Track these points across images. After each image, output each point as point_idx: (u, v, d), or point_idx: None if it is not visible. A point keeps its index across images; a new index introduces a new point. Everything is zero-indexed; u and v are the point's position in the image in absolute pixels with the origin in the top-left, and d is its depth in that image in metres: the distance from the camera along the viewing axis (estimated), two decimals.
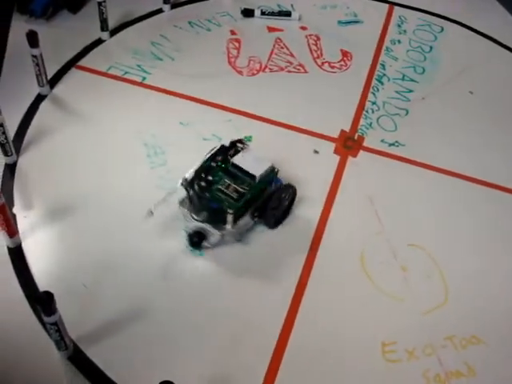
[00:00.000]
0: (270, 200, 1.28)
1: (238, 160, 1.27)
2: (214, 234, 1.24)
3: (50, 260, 1.23)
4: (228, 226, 1.23)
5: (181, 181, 1.25)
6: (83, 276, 1.19)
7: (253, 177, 1.25)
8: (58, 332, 1.00)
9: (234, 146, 1.32)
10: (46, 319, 0.97)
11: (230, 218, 1.21)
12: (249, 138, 1.47)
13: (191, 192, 1.24)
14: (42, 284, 1.16)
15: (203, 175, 1.25)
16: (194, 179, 1.24)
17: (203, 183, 1.24)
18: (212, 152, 1.30)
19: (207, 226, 1.24)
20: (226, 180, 1.25)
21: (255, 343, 1.12)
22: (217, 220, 1.24)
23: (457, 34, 2.12)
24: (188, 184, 1.24)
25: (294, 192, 1.33)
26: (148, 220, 1.25)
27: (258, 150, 1.32)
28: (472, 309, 1.23)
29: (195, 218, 1.25)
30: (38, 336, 1.08)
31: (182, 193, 1.26)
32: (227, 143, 1.33)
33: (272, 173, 1.29)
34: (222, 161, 1.29)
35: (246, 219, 1.28)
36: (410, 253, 1.32)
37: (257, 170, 1.25)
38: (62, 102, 1.60)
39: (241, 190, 1.24)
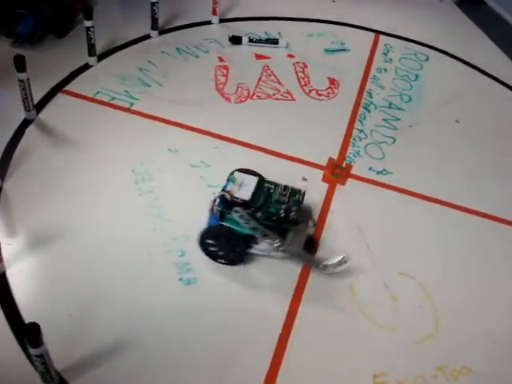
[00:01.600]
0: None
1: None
2: (274, 241, 1.23)
3: (34, 289, 1.20)
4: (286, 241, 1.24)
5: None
6: (69, 306, 1.16)
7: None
8: (43, 364, 0.97)
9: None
10: (32, 351, 0.95)
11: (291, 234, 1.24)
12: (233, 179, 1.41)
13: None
14: (27, 313, 1.13)
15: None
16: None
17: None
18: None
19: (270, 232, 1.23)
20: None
21: (243, 378, 1.10)
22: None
23: (442, 63, 2.15)
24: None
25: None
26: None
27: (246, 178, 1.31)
28: (463, 338, 1.22)
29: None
30: (22, 368, 1.05)
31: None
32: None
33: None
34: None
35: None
36: (401, 282, 1.31)
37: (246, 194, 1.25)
38: (48, 128, 1.59)
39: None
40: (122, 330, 1.14)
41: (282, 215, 1.23)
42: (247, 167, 1.35)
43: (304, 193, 1.30)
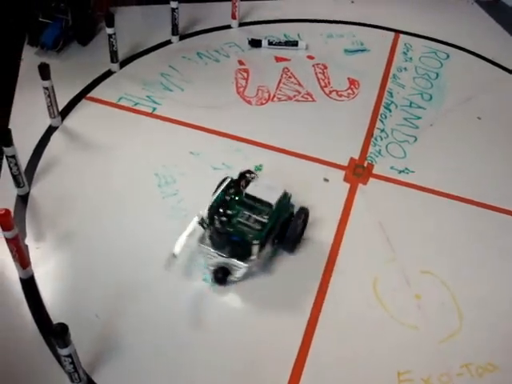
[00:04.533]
0: (287, 225, 1.29)
1: (251, 190, 1.27)
2: (240, 267, 1.23)
3: (62, 291, 1.23)
4: (254, 257, 1.23)
5: (197, 219, 1.24)
6: (96, 307, 1.19)
7: (269, 205, 1.25)
8: (72, 364, 0.99)
9: (244, 177, 1.33)
10: (60, 351, 0.97)
11: (255, 248, 1.21)
12: (259, 168, 1.47)
13: (211, 229, 1.23)
14: (55, 315, 1.16)
15: (221, 210, 1.25)
16: (213, 215, 1.23)
17: (224, 218, 1.23)
18: (223, 185, 1.30)
19: (232, 261, 1.24)
20: (245, 212, 1.25)
21: (269, 374, 1.11)
22: (240, 253, 1.23)
23: (462, 61, 2.14)
24: (208, 221, 1.23)
25: (306, 214, 1.34)
26: (171, 262, 1.26)
27: (269, 179, 1.33)
28: (487, 335, 1.22)
29: (219, 254, 1.24)
30: (51, 368, 1.08)
31: (200, 230, 1.26)
32: (235, 175, 1.33)
33: (285, 198, 1.29)
34: (235, 193, 1.29)
35: (267, 247, 1.28)
36: (423, 280, 1.31)
37: (272, 197, 1.25)
38: (73, 133, 1.62)
39: (261, 219, 1.23)
40: (149, 330, 1.16)
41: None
42: (269, 168, 1.37)
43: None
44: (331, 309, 1.23)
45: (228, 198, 1.28)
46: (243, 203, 1.27)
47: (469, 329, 1.22)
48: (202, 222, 1.24)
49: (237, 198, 1.28)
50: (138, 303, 1.21)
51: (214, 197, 1.26)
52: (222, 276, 1.23)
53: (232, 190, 1.29)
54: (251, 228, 1.22)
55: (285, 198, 1.29)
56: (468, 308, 1.26)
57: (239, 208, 1.26)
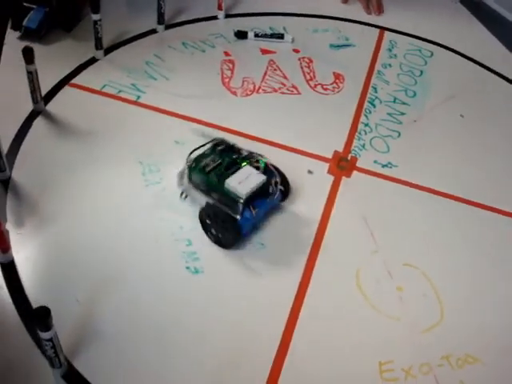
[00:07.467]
0: None
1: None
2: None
3: (42, 276, 1.21)
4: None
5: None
6: (77, 291, 1.18)
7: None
8: (53, 349, 0.98)
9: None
10: (41, 335, 0.95)
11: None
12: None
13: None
14: (35, 299, 1.15)
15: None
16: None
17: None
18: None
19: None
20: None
21: (250, 366, 1.12)
22: None
23: (446, 59, 2.16)
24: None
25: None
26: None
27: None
28: (468, 327, 1.23)
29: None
30: (31, 353, 1.07)
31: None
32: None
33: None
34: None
35: None
36: (406, 272, 1.32)
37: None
38: (56, 119, 1.60)
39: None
40: (129, 316, 1.16)
41: None
42: None
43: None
44: (313, 300, 1.24)
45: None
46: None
47: (449, 321, 1.23)
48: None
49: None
50: (120, 288, 1.20)
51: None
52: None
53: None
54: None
55: None
56: (449, 301, 1.27)
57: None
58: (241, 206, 1.24)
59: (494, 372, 1.16)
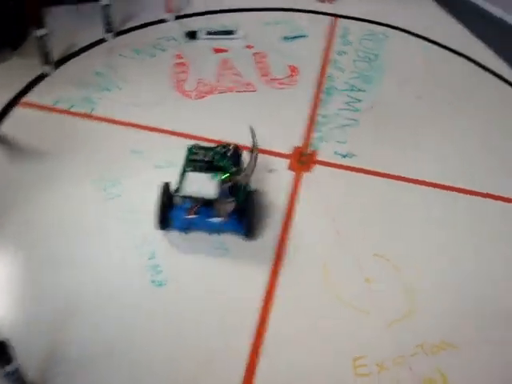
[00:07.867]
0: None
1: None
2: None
3: (8, 305, 1.19)
4: None
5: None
6: (43, 322, 1.15)
7: None
8: (17, 382, 0.96)
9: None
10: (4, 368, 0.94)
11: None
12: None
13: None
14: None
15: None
16: None
17: None
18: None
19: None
20: None
21: (224, 364, 1.11)
22: None
23: (401, 41, 2.16)
24: None
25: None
26: None
27: None
28: (438, 315, 1.23)
29: None
30: None
31: None
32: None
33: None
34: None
35: None
36: (374, 264, 1.31)
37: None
38: (7, 141, 1.57)
39: None
40: (95, 337, 1.14)
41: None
42: None
43: None
44: (283, 298, 1.23)
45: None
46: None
47: (420, 310, 1.23)
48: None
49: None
50: (84, 309, 1.18)
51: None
52: None
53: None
54: None
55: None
56: (419, 290, 1.27)
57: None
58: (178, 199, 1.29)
59: (468, 356, 1.16)
